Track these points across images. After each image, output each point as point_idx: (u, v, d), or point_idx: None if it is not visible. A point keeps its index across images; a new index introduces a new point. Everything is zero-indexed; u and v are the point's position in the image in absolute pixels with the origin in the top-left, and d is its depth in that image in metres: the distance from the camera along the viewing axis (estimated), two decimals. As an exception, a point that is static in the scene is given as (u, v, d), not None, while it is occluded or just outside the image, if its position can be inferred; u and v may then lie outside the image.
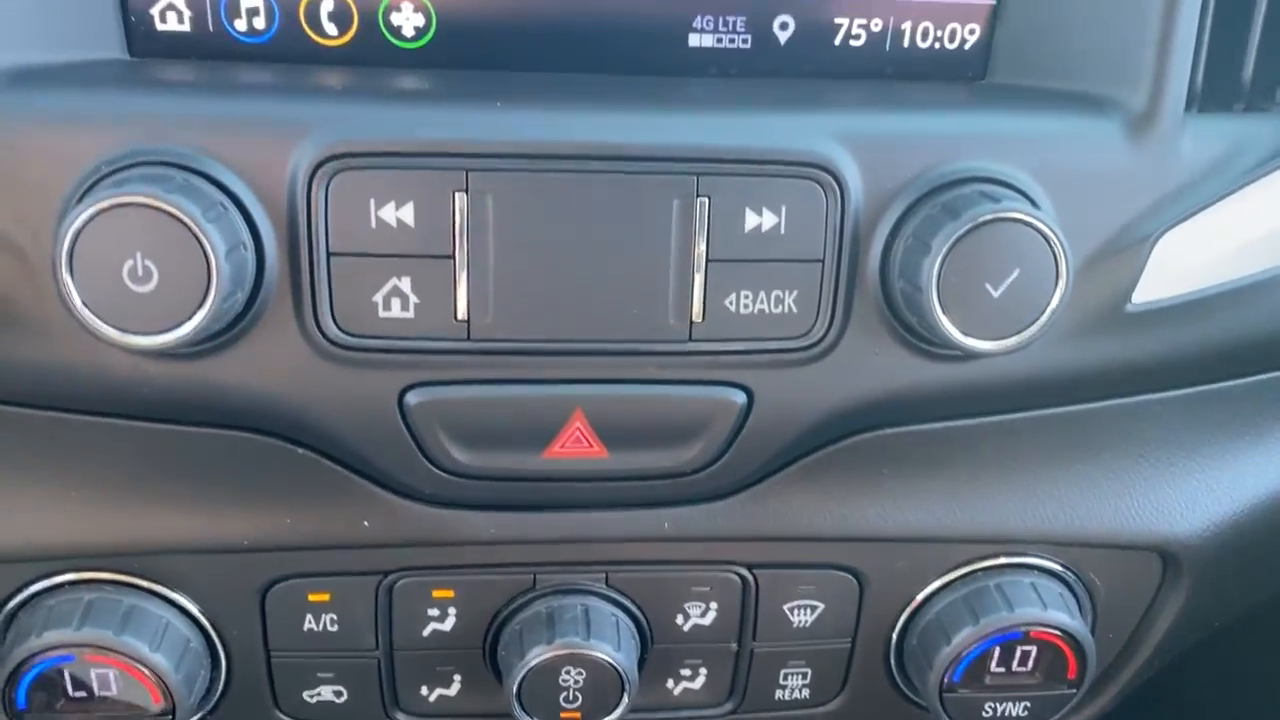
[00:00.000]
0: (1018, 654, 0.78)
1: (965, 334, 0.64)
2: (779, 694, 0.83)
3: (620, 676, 0.75)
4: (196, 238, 0.58)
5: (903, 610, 0.80)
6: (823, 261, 0.66)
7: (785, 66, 0.70)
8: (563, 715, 0.76)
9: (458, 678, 0.80)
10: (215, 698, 0.78)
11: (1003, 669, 0.79)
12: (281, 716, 0.80)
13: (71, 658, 0.71)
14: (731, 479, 0.73)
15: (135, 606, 0.73)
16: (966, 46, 0.71)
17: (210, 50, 0.67)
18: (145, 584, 0.74)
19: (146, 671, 0.71)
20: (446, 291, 0.64)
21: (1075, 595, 0.80)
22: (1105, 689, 0.87)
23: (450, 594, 0.77)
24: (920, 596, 0.80)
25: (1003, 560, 0.79)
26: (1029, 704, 0.80)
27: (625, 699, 0.75)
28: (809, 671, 0.82)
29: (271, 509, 0.72)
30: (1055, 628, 0.77)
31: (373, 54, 0.68)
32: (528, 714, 0.76)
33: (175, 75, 0.65)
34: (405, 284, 0.64)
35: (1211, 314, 0.73)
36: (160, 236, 0.58)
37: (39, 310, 0.63)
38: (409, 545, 0.74)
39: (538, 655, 0.74)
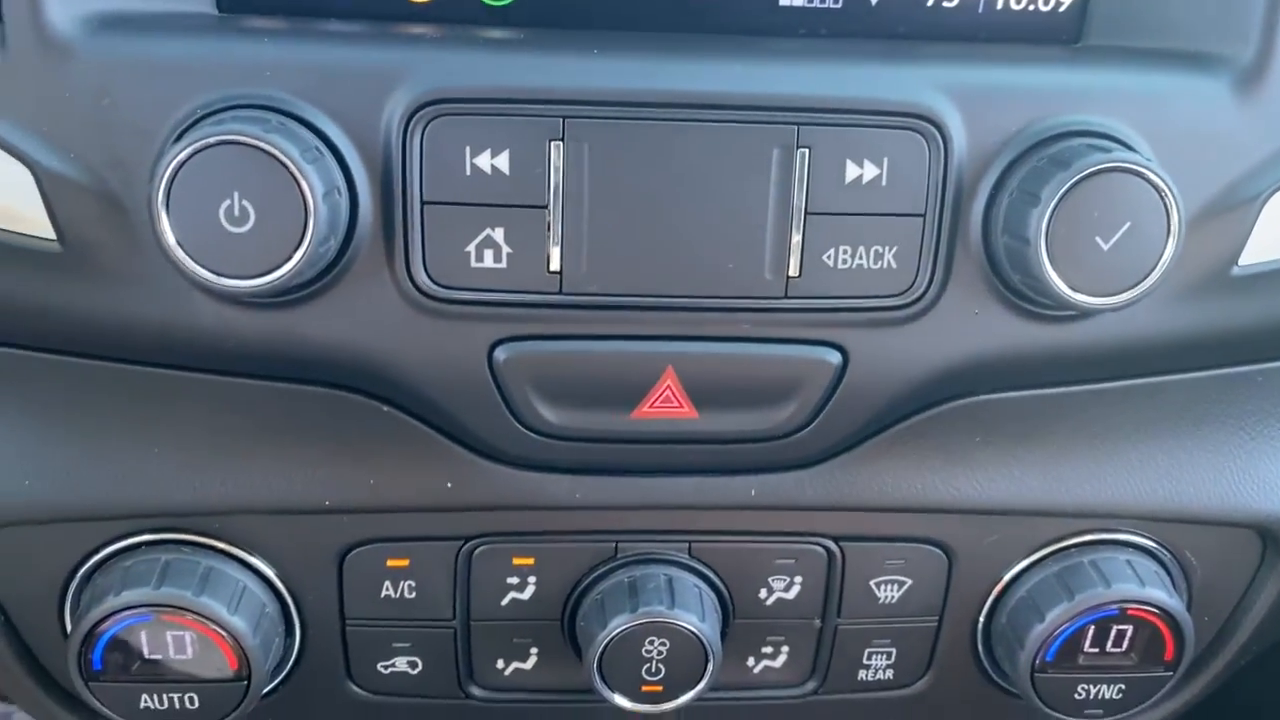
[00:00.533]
0: (1113, 633, 0.76)
1: (1074, 289, 0.62)
2: (862, 674, 0.81)
3: (704, 648, 0.73)
4: (294, 178, 0.57)
5: (992, 587, 0.78)
6: (924, 216, 0.64)
7: (876, 27, 0.69)
8: (644, 689, 0.75)
9: (534, 651, 0.78)
10: (287, 668, 0.77)
11: (1097, 649, 0.76)
12: (354, 688, 0.79)
13: (149, 617, 0.70)
14: (822, 445, 0.71)
15: (213, 569, 0.72)
16: (1061, 8, 0.70)
17: (297, 7, 0.67)
18: (223, 546, 0.72)
19: (224, 634, 0.70)
20: (540, 243, 0.63)
21: (1171, 574, 0.78)
22: (1198, 675, 0.84)
23: (531, 561, 0.75)
24: (1011, 574, 0.77)
25: (1097, 536, 0.77)
26: (1123, 686, 0.77)
27: (709, 672, 0.73)
28: (894, 651, 0.80)
29: (354, 469, 0.71)
30: (1153, 605, 0.74)
31: (459, 11, 0.67)
32: (608, 686, 0.74)
33: (267, 25, 0.65)
34: (498, 234, 0.63)
35: (1323, 278, 0.71)
36: (258, 177, 0.57)
37: (131, 259, 0.63)
38: (491, 509, 0.72)
39: (621, 624, 0.72)
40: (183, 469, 0.70)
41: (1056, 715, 0.78)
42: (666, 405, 0.68)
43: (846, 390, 0.68)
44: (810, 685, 0.81)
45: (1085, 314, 0.66)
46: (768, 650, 0.80)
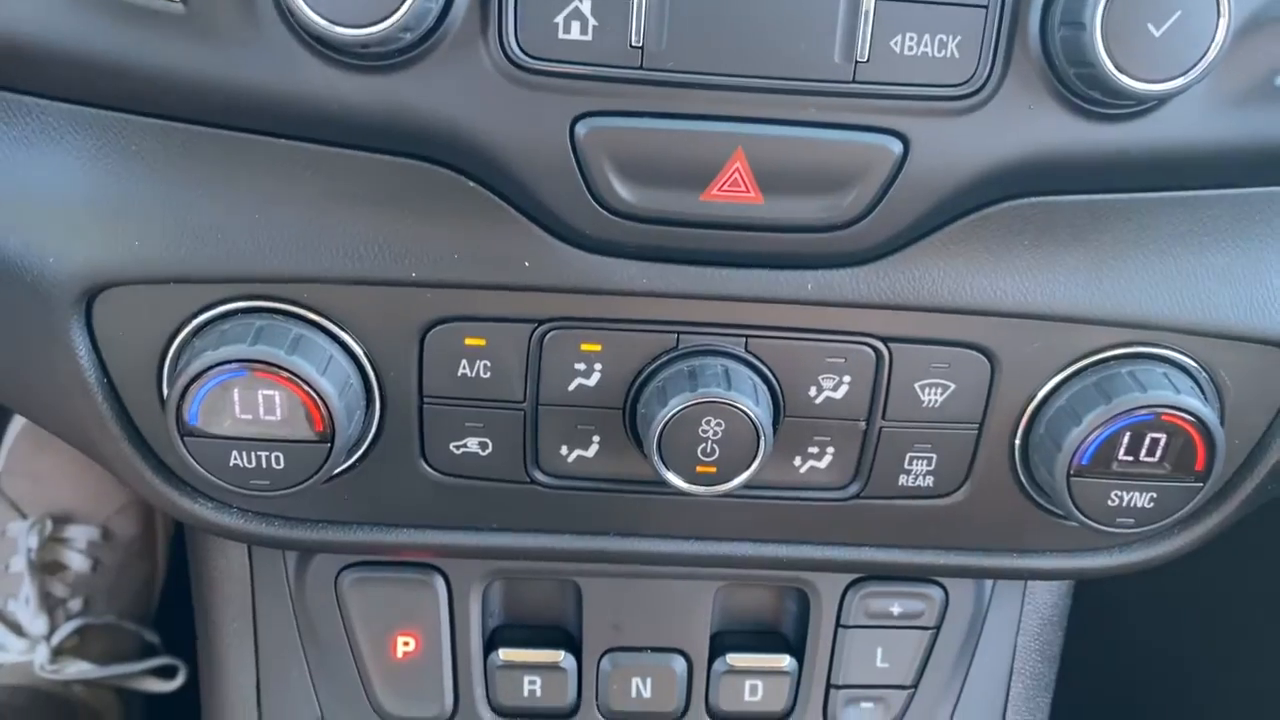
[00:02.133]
0: (1147, 441, 0.79)
1: (1125, 74, 0.65)
2: (903, 480, 0.85)
3: (757, 430, 0.77)
4: None
5: (1033, 396, 0.81)
6: (987, 6, 0.68)
7: None
8: (699, 470, 0.79)
9: (597, 439, 0.83)
10: (365, 444, 0.82)
11: (1131, 457, 0.80)
12: (426, 467, 0.84)
13: (242, 373, 0.75)
14: (878, 238, 0.75)
15: (303, 336, 0.77)
16: None
17: None
18: (313, 316, 0.77)
19: (311, 394, 0.75)
20: (623, 17, 0.67)
21: (1205, 392, 0.81)
22: (1228, 498, 0.87)
23: (598, 348, 0.80)
24: (1051, 384, 0.81)
25: (1136, 349, 0.80)
26: (1155, 495, 0.81)
27: (760, 454, 0.78)
28: (934, 458, 0.84)
29: (440, 242, 0.75)
30: (1187, 412, 0.78)
31: None
32: (666, 465, 0.79)
33: None
34: (585, 6, 0.67)
35: (1366, 95, 0.73)
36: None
37: (249, 19, 0.67)
38: (564, 291, 0.77)
39: (681, 402, 0.76)
40: (282, 235, 0.75)
41: (1090, 523, 0.82)
42: (734, 189, 0.72)
43: (905, 180, 0.72)
44: (853, 488, 0.86)
45: (1137, 106, 0.69)
46: (814, 450, 0.84)
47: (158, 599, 1.72)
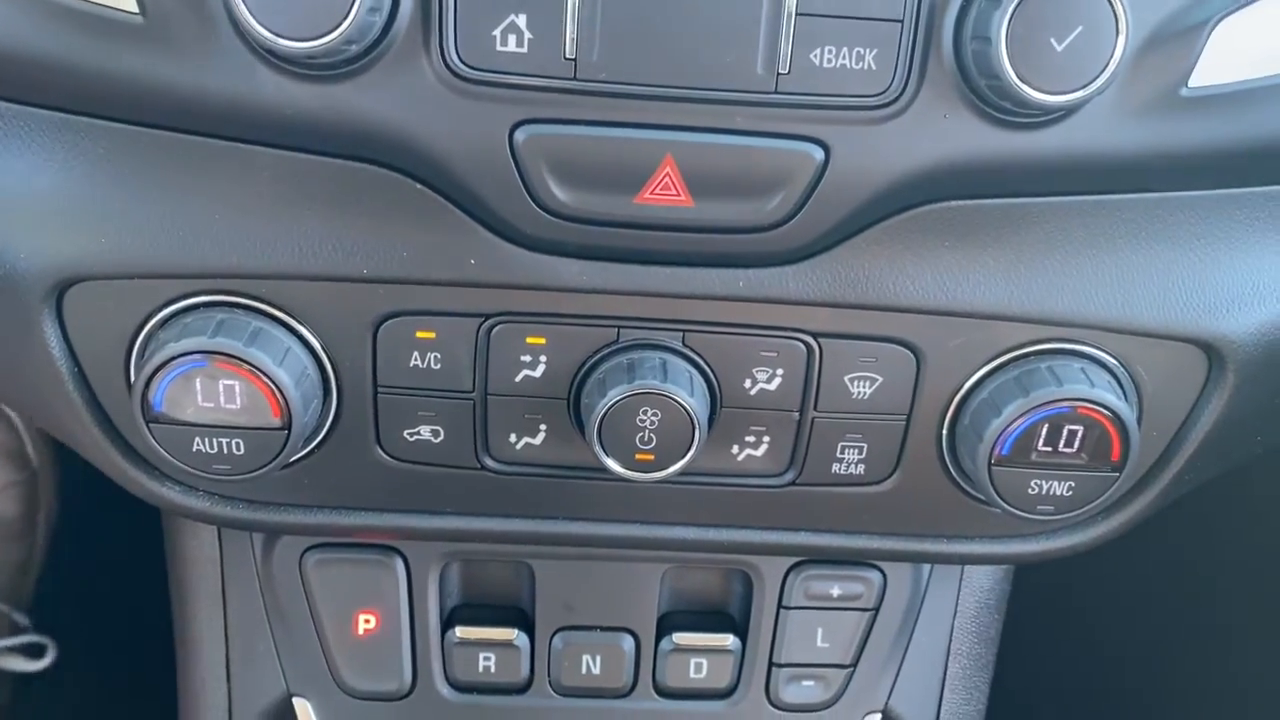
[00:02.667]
0: (1064, 433, 0.84)
1: (1030, 86, 0.69)
2: (836, 467, 0.90)
3: (691, 420, 0.81)
4: None
5: (957, 390, 0.86)
6: (902, 21, 0.72)
7: None
8: (638, 457, 0.84)
9: (543, 428, 0.87)
10: (323, 432, 0.87)
11: (1049, 448, 0.84)
12: (381, 454, 0.88)
13: (204, 364, 0.79)
14: (804, 239, 0.79)
15: (262, 329, 0.81)
16: None
17: None
18: (271, 310, 0.82)
19: (269, 384, 0.79)
20: (558, 29, 0.71)
21: (1123, 386, 0.85)
22: (1147, 488, 0.92)
23: (542, 341, 0.84)
24: (973, 378, 0.85)
25: (1055, 345, 0.84)
26: (1073, 484, 0.85)
27: (695, 443, 0.82)
28: (865, 446, 0.88)
29: (389, 241, 0.79)
30: (1102, 406, 0.82)
31: None
32: (606, 452, 0.83)
33: None
34: (521, 20, 0.71)
35: (1268, 105, 0.77)
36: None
37: (204, 30, 0.72)
38: (508, 288, 0.81)
39: (619, 394, 0.81)
40: (241, 233, 0.79)
41: (1012, 510, 0.86)
42: (665, 193, 0.76)
43: (828, 184, 0.76)
44: (788, 475, 0.90)
45: (1045, 115, 0.73)
46: (750, 439, 0.88)
47: (34, 583, 1.73)
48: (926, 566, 1.06)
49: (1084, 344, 0.85)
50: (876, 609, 1.05)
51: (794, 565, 1.03)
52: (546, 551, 1.01)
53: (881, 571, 1.04)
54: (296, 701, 1.06)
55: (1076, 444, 0.84)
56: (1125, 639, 1.73)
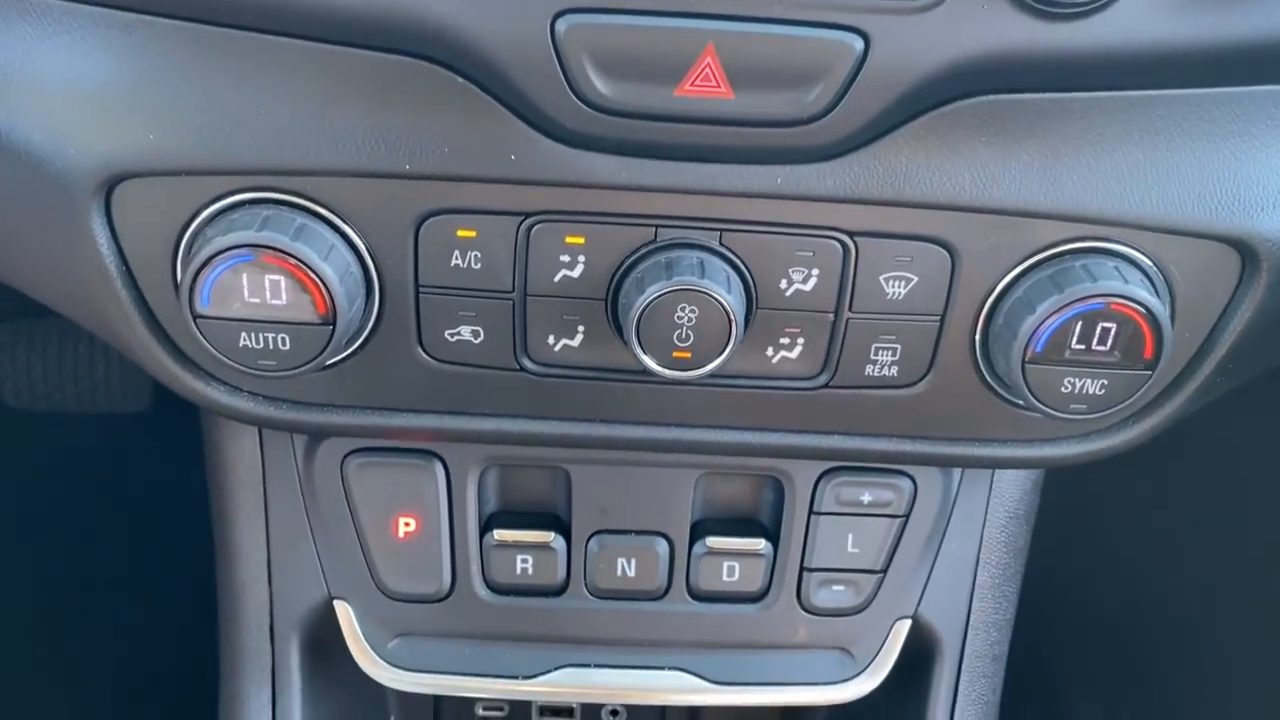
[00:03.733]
0: (1098, 330, 0.84)
1: None
2: (869, 370, 0.91)
3: (729, 317, 0.82)
4: None
5: (992, 289, 0.86)
6: None
7: None
8: (674, 355, 0.85)
9: (581, 329, 0.89)
10: (366, 331, 0.88)
11: (1083, 346, 0.85)
12: (423, 354, 0.89)
13: (250, 258, 0.80)
14: (844, 131, 0.79)
15: (306, 225, 0.82)
16: None
17: None
18: (315, 208, 0.83)
19: (315, 278, 0.81)
20: None
21: (1155, 285, 0.86)
22: (1179, 390, 0.92)
23: (581, 240, 0.85)
24: (1008, 277, 0.86)
25: (1089, 244, 0.85)
26: (1106, 382, 0.86)
27: (732, 340, 0.83)
28: (898, 348, 0.90)
29: (431, 136, 0.80)
30: (1135, 302, 0.83)
31: None
32: (643, 350, 0.84)
33: None
34: None
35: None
36: None
37: None
38: (547, 184, 0.82)
39: (657, 290, 0.82)
40: (285, 130, 0.81)
41: (1045, 409, 0.87)
42: (706, 84, 0.77)
43: (868, 75, 0.76)
44: (822, 378, 0.91)
45: (1082, 6, 0.73)
46: (785, 341, 0.90)
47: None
48: (957, 475, 1.07)
49: (1118, 242, 0.85)
50: (907, 516, 1.06)
51: (825, 472, 1.04)
52: (582, 456, 1.02)
53: (912, 479, 1.05)
54: (337, 604, 1.09)
55: (1110, 342, 0.85)
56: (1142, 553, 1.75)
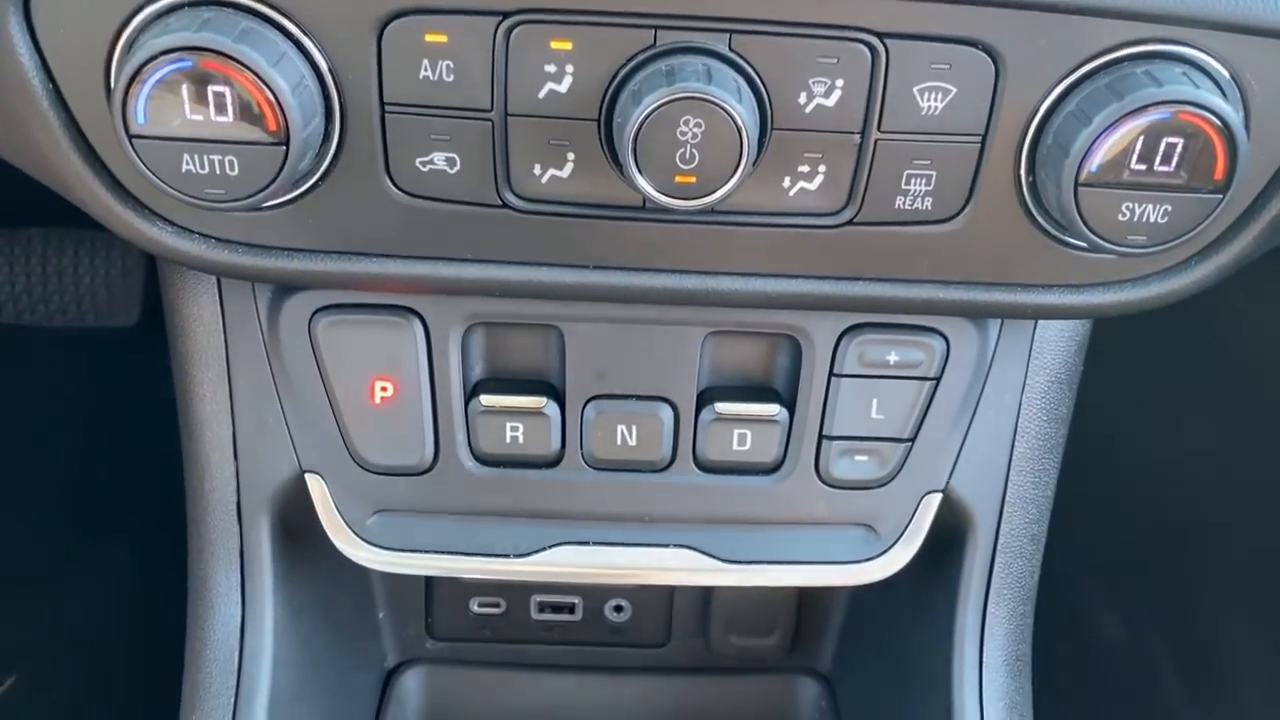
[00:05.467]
0: (1163, 146, 0.73)
1: None
2: (900, 202, 0.80)
3: (739, 132, 0.72)
4: None
5: (1040, 102, 0.75)
6: None
7: None
8: (677, 179, 0.75)
9: (571, 157, 0.78)
10: (327, 159, 0.78)
11: (1144, 165, 0.74)
12: (392, 187, 0.79)
13: (189, 63, 0.70)
14: None
15: (252, 29, 0.72)
16: None
17: None
18: (262, 8, 0.72)
19: (263, 88, 0.70)
20: None
21: (1227, 95, 0.75)
22: (1250, 223, 0.81)
23: (568, 46, 0.74)
24: (1059, 88, 0.75)
25: (1153, 48, 0.74)
26: (1169, 207, 0.75)
27: (743, 160, 0.73)
28: (933, 175, 0.79)
29: None
30: (1208, 110, 0.72)
31: None
32: (641, 172, 0.74)
33: None
34: None
35: None
36: None
37: None
38: None
39: (656, 99, 0.71)
40: None
41: (1099, 240, 0.77)
42: None
43: None
44: (847, 213, 0.80)
45: None
46: (804, 169, 0.79)
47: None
48: (993, 333, 0.97)
49: (1187, 45, 0.74)
50: (938, 379, 0.96)
51: (848, 329, 0.94)
52: (577, 313, 0.92)
53: (944, 336, 0.95)
54: (309, 478, 0.99)
55: (1175, 159, 0.74)
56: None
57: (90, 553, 2.08)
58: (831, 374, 0.95)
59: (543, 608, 1.35)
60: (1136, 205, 0.76)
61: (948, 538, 1.04)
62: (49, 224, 2.52)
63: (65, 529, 2.12)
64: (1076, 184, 0.75)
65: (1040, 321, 0.98)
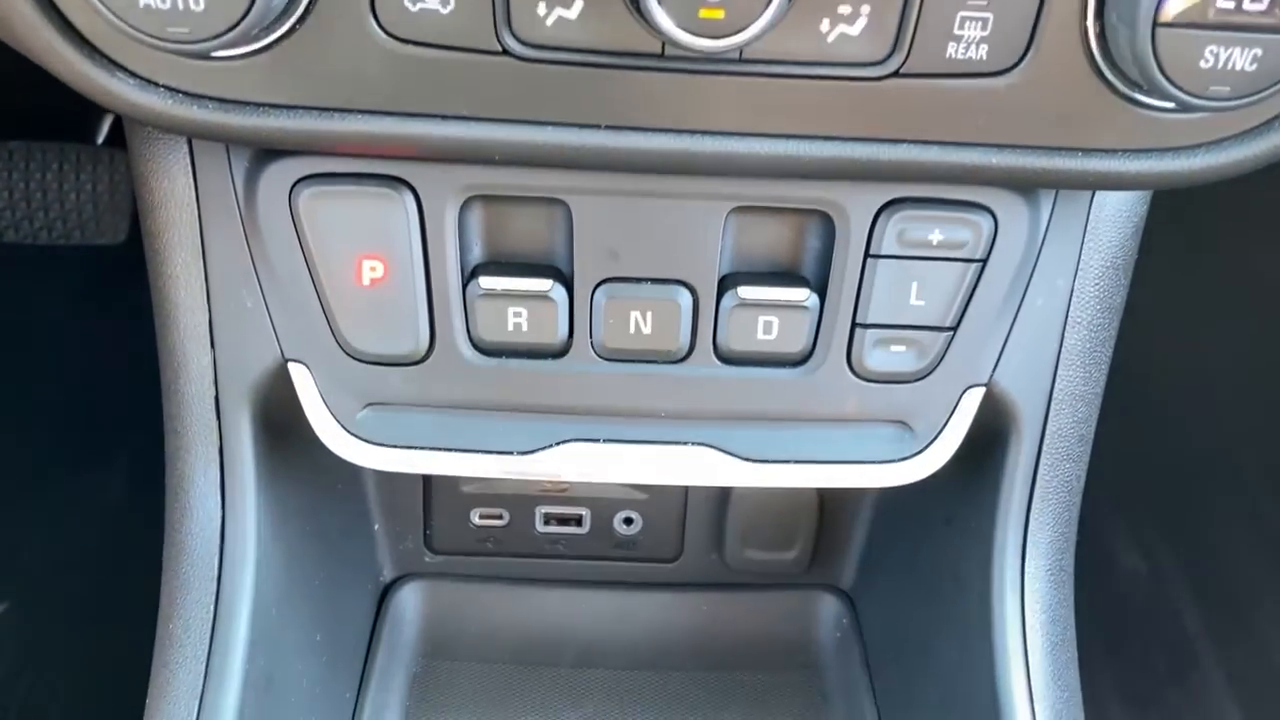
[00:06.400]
0: (1256, -26, 0.65)
1: None
2: (951, 49, 0.71)
3: None
4: None
5: None
6: None
7: None
8: (702, 14, 0.65)
9: None
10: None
11: (1232, 3, 0.65)
12: (378, 30, 0.70)
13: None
14: None
15: None
16: None
17: None
18: None
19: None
20: None
21: None
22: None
23: None
24: None
25: None
26: (1260, 52, 0.66)
27: None
28: (990, 18, 0.70)
29: None
30: (1312, -68, 0.63)
31: None
32: (661, 4, 0.65)
33: None
34: None
35: None
36: None
37: None
38: None
39: None
40: None
41: (1177, 91, 0.68)
42: None
43: None
44: (892, 62, 0.71)
45: None
46: (845, 10, 0.70)
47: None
48: (1045, 211, 0.87)
49: None
50: (984, 260, 0.87)
51: (886, 205, 0.85)
52: (586, 185, 0.83)
53: (992, 214, 0.86)
54: (293, 367, 0.91)
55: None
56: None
57: (79, 476, 2.04)
58: (867, 255, 0.86)
59: (548, 520, 1.27)
60: (1222, 50, 0.67)
61: (989, 437, 0.96)
62: (31, 137, 2.44)
63: (53, 452, 2.08)
64: (1154, 25, 0.65)
65: (1097, 198, 0.88)
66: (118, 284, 2.19)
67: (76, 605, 1.85)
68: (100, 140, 2.51)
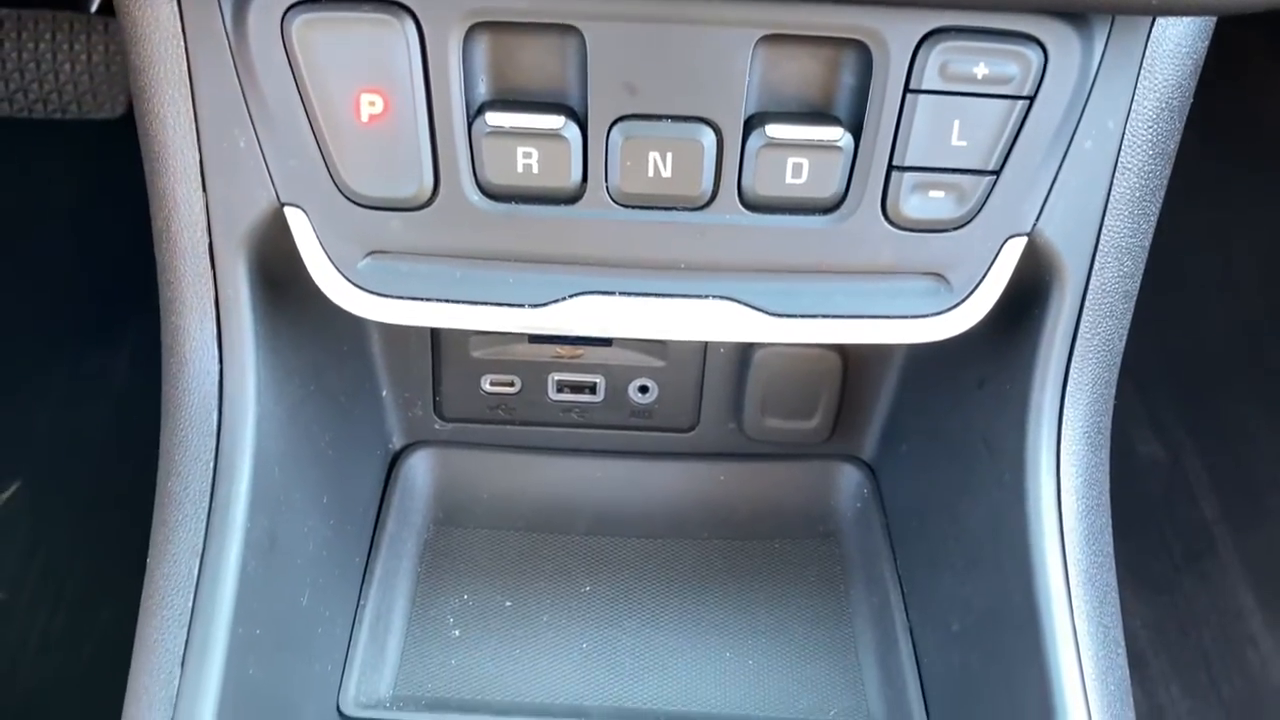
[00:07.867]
0: None
1: None
2: None
3: None
4: None
5: None
6: None
7: None
8: None
9: None
10: None
11: None
12: None
13: None
14: None
15: None
16: None
17: None
18: None
19: None
20: None
21: None
22: None
23: None
24: None
25: None
26: None
27: None
28: None
29: None
30: None
31: None
32: None
33: None
34: None
35: None
36: None
37: None
38: None
39: None
40: None
41: None
42: None
43: None
44: None
45: None
46: None
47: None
48: (1099, 45, 0.80)
49: None
50: (1032, 98, 0.80)
51: (928, 35, 0.78)
52: (601, 11, 0.76)
53: (1042, 46, 0.79)
54: (289, 212, 0.85)
55: None
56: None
57: (82, 355, 2.01)
58: (907, 90, 0.79)
59: (561, 387, 1.23)
60: None
61: (1028, 292, 0.90)
62: (22, 5, 2.36)
63: (54, 331, 2.05)
64: None
65: (1155, 30, 0.82)
66: (121, 159, 2.15)
67: (87, 487, 1.84)
68: (94, 9, 2.43)
